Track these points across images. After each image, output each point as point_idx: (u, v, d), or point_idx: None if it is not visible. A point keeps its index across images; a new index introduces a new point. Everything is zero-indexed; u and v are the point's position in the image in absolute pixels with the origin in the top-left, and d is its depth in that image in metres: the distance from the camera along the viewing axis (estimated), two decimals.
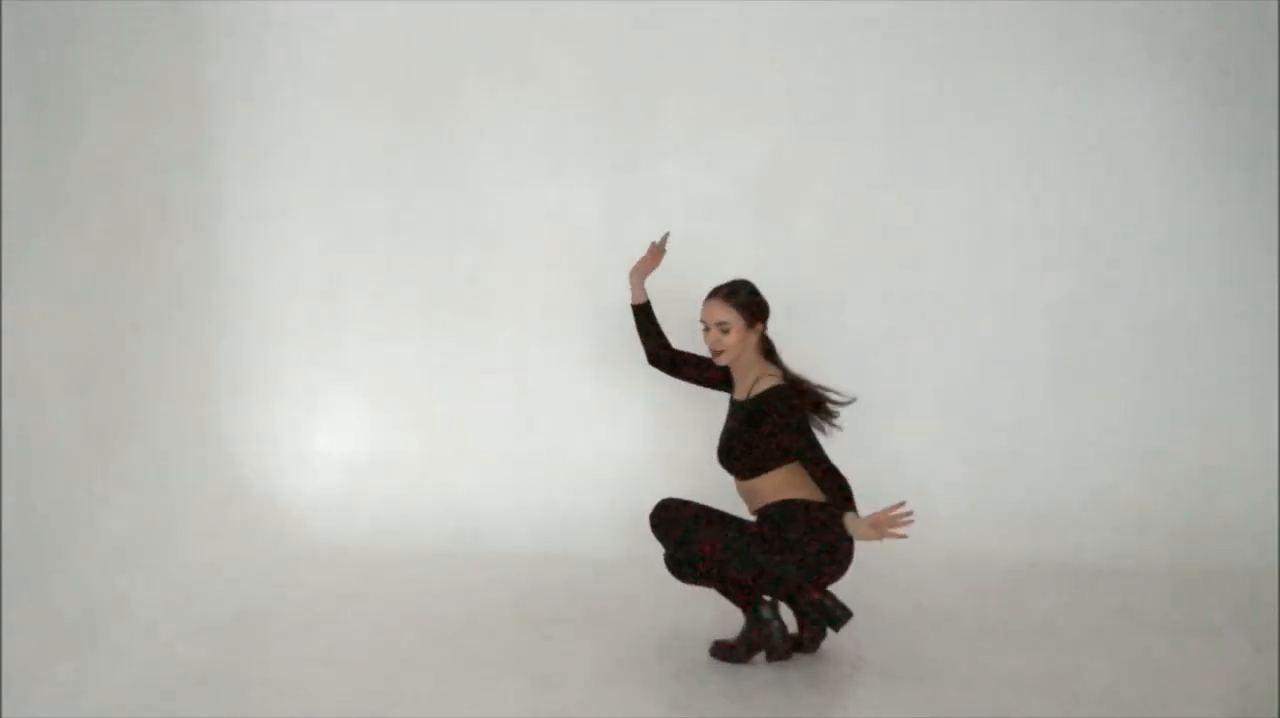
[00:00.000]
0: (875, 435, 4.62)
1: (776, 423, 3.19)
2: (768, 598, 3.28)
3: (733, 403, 3.40)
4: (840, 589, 3.48)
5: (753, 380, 3.31)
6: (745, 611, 3.28)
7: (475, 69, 4.69)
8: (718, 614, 3.61)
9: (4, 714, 2.81)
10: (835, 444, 4.62)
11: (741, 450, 3.27)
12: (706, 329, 3.33)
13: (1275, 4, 4.49)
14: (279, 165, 4.64)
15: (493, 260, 4.74)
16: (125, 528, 3.68)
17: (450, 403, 4.74)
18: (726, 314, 3.29)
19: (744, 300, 3.32)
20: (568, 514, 4.54)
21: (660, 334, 3.61)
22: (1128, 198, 4.65)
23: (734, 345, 3.29)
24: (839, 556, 3.19)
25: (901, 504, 3.00)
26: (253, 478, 4.49)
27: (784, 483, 3.24)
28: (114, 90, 3.82)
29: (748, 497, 3.33)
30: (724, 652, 3.30)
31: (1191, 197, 4.63)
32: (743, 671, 3.24)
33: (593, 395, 4.72)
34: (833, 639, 3.44)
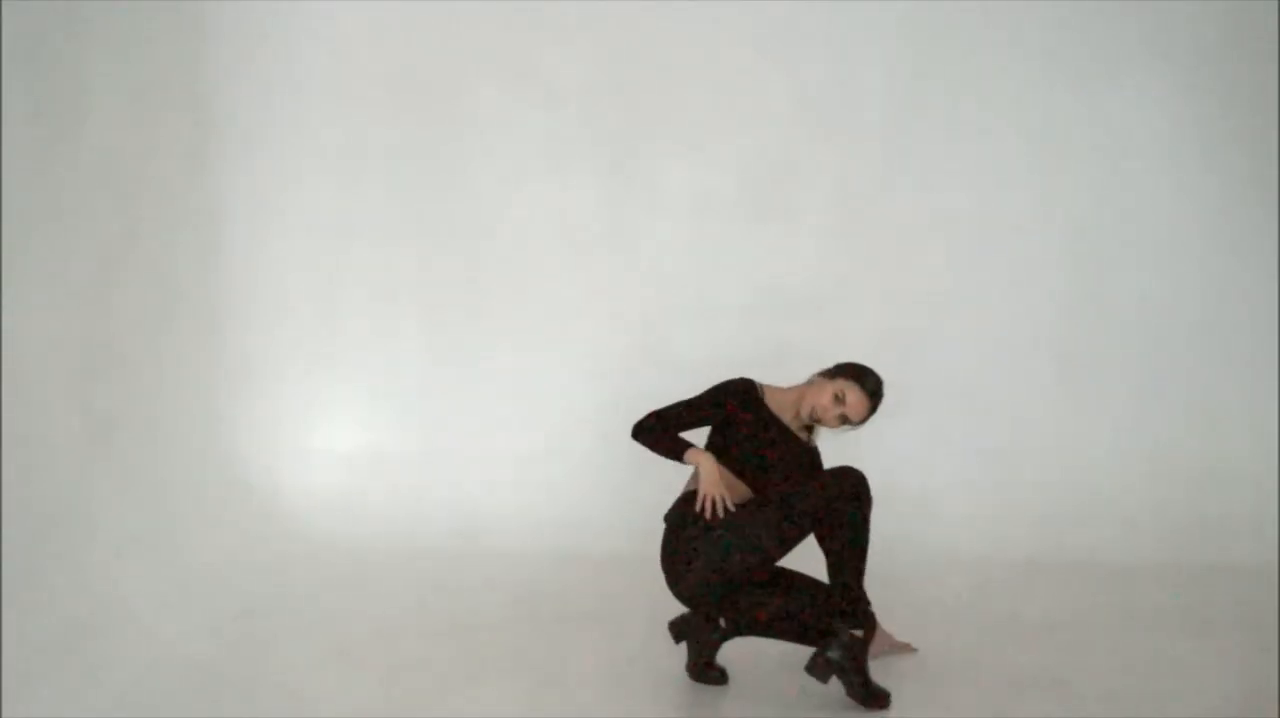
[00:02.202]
0: (877, 433, 4.61)
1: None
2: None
3: (793, 438, 3.16)
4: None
5: (801, 425, 3.20)
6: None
7: (476, 67, 4.70)
8: None
9: (4, 714, 2.80)
10: (839, 443, 4.61)
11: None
12: (839, 402, 3.09)
13: (1275, 4, 4.49)
14: (279, 163, 4.65)
15: (493, 258, 4.75)
16: (126, 526, 3.68)
17: (451, 400, 4.74)
18: (864, 418, 3.14)
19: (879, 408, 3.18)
20: (568, 512, 4.54)
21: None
22: (1129, 196, 4.65)
23: (833, 431, 3.15)
24: None
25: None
26: (254, 475, 4.49)
27: None
28: (114, 88, 3.83)
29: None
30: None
31: (1193, 195, 4.64)
32: (743, 669, 3.24)
33: (593, 392, 4.72)
34: None
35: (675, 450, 3.05)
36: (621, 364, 4.69)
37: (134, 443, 3.87)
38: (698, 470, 3.04)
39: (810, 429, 3.22)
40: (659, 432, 3.09)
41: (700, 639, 3.16)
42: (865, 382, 3.14)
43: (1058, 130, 4.64)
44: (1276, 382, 4.56)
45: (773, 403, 3.16)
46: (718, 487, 2.98)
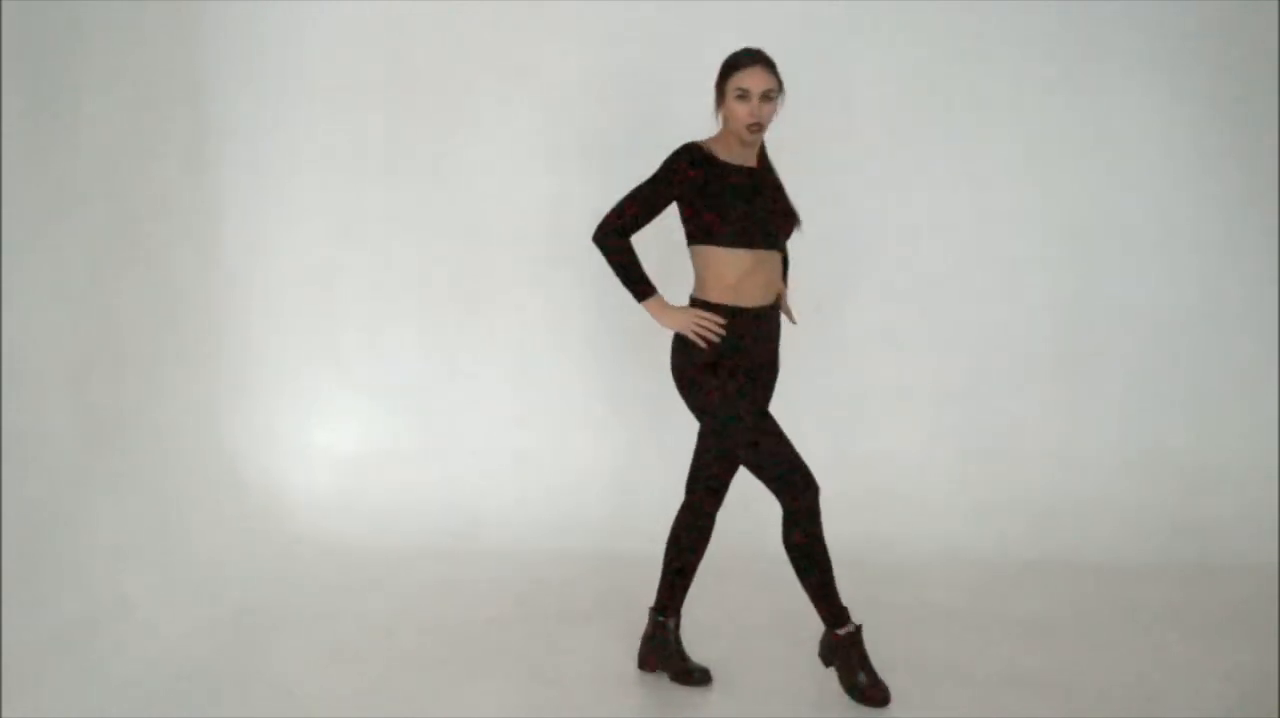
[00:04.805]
0: (872, 432, 4.64)
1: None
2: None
3: (748, 172, 2.99)
4: (838, 585, 3.45)
5: (759, 150, 3.05)
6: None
7: (474, 63, 4.70)
8: (722, 612, 3.61)
9: (4, 714, 2.81)
10: (834, 441, 4.64)
11: (791, 218, 3.03)
12: (743, 97, 2.91)
13: (1275, 4, 4.49)
14: (277, 160, 4.65)
15: (491, 255, 4.75)
16: (125, 525, 3.69)
17: (449, 398, 4.75)
18: (773, 81, 2.94)
19: (775, 65, 2.98)
20: (567, 509, 4.55)
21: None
22: (1126, 195, 4.65)
23: (769, 119, 2.96)
24: None
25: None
26: (252, 474, 4.50)
27: None
28: (113, 87, 3.83)
29: (767, 282, 3.00)
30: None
31: (1190, 194, 4.64)
32: (743, 669, 3.24)
33: (591, 389, 4.73)
34: None
35: (634, 284, 2.96)
36: (620, 362, 4.70)
37: (134, 443, 3.87)
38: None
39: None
40: (623, 248, 2.96)
41: (666, 650, 3.19)
42: (740, 58, 2.95)
43: (1054, 130, 4.64)
44: (1275, 381, 4.57)
45: (722, 152, 3.01)
46: (687, 317, 2.92)
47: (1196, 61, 4.57)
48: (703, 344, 2.92)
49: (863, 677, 2.99)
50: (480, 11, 4.66)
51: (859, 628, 3.02)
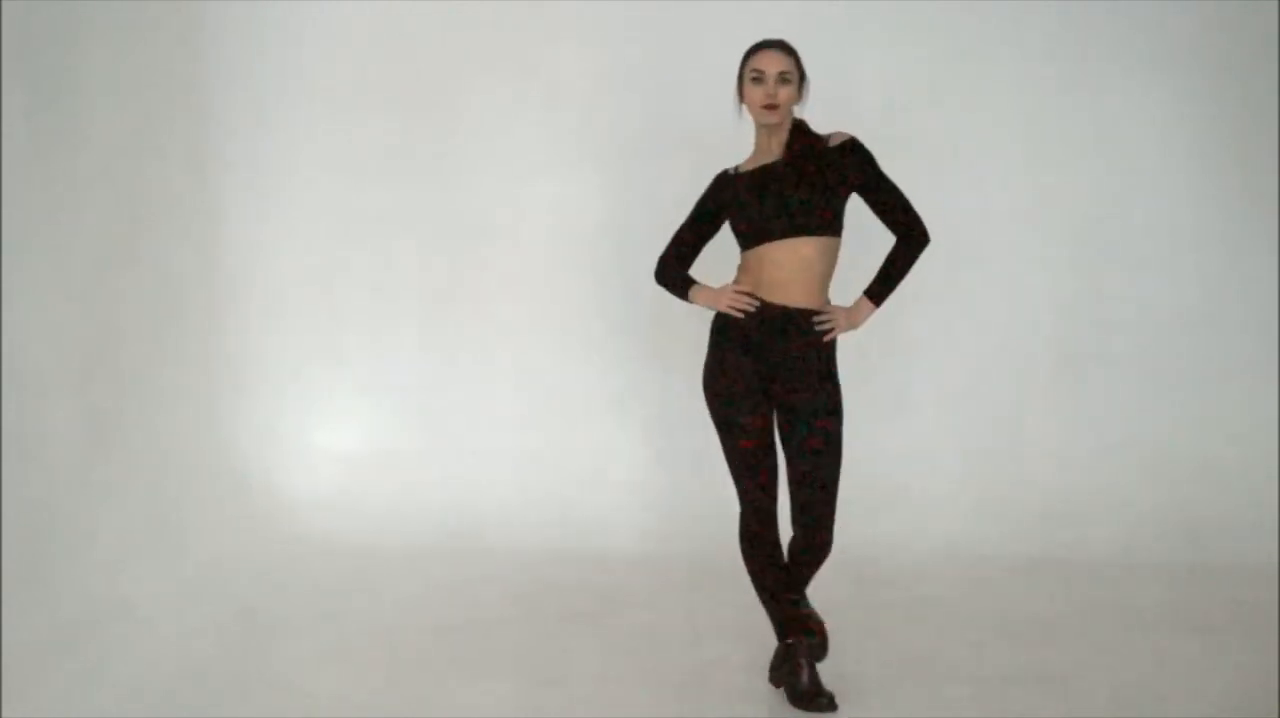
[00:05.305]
0: (876, 431, 4.63)
1: (867, 171, 3.03)
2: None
3: (766, 169, 2.97)
4: (841, 584, 3.46)
5: (782, 141, 2.98)
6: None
7: (476, 63, 4.70)
8: (726, 613, 3.61)
9: (4, 714, 2.81)
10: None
11: (820, 202, 2.94)
12: (758, 80, 2.91)
13: (1275, 4, 4.49)
14: (278, 161, 4.65)
15: (494, 255, 4.75)
16: (126, 526, 3.69)
17: (451, 398, 4.75)
18: (789, 64, 2.93)
19: (796, 52, 2.99)
20: (570, 510, 4.54)
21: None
22: (1129, 194, 4.65)
23: (788, 102, 2.93)
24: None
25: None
26: (254, 474, 4.50)
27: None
28: (113, 89, 3.83)
29: (807, 277, 2.96)
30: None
31: (1193, 193, 4.63)
32: (745, 669, 3.24)
33: (595, 390, 4.72)
34: (834, 635, 3.38)
35: (682, 291, 3.11)
36: (623, 361, 4.70)
37: (134, 443, 3.87)
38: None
39: (796, 135, 3.00)
40: (670, 270, 3.14)
41: (783, 670, 3.01)
42: (756, 45, 3.01)
43: (1055, 130, 4.64)
44: (1276, 381, 4.56)
45: (752, 160, 3.06)
46: (724, 295, 2.99)
47: (1196, 61, 4.57)
48: (739, 315, 2.97)
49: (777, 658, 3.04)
50: (481, 11, 4.66)
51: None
